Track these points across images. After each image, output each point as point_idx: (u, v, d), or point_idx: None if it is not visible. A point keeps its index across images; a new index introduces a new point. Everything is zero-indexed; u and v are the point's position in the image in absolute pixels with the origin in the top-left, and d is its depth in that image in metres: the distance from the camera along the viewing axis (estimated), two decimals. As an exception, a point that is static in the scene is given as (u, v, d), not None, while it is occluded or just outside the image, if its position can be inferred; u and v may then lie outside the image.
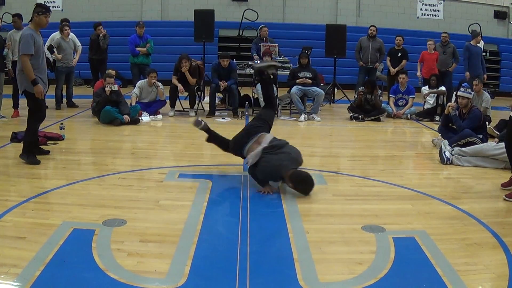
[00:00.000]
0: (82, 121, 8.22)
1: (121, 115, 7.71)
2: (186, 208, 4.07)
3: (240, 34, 12.15)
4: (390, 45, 11.28)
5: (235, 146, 5.02)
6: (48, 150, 5.82)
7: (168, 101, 8.85)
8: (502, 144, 5.76)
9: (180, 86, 8.70)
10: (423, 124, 8.85)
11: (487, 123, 7.03)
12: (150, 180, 4.88)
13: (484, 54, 12.29)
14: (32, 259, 3.01)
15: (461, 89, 6.57)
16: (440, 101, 9.14)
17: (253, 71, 9.25)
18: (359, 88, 9.42)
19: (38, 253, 3.09)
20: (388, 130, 8.47)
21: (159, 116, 8.49)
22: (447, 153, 5.90)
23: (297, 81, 8.87)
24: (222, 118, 8.62)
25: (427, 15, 14.80)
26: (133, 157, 6.00)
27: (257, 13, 12.66)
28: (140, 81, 8.86)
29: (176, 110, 8.98)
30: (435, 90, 9.20)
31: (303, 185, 4.46)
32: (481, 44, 11.12)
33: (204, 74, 9.64)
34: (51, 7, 5.56)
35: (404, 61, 10.57)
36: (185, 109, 9.12)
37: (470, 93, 6.58)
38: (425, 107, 9.40)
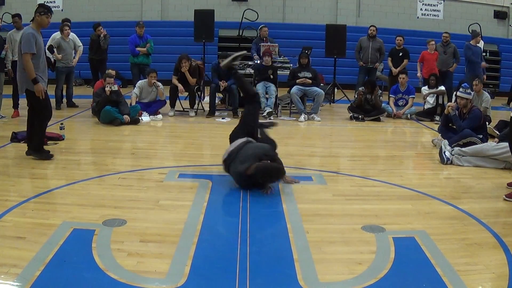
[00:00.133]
0: (82, 121, 8.22)
1: (121, 115, 7.71)
2: (186, 208, 4.07)
3: (240, 34, 12.14)
4: (390, 45, 11.27)
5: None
6: (48, 150, 5.81)
7: (168, 101, 8.85)
8: (502, 144, 5.77)
9: (180, 86, 8.70)
10: (423, 124, 8.85)
11: (487, 123, 7.03)
12: (150, 180, 4.88)
13: (484, 54, 12.29)
14: (32, 259, 3.01)
15: (460, 89, 6.56)
16: (440, 101, 9.14)
17: (252, 70, 9.26)
18: (359, 88, 9.41)
19: (38, 253, 3.09)
20: (388, 130, 8.47)
21: (159, 116, 8.49)
22: (447, 153, 5.90)
23: (297, 81, 8.87)
24: (222, 118, 8.62)
25: (427, 15, 14.80)
26: (133, 157, 6.00)
27: (257, 13, 12.66)
28: (140, 81, 8.86)
29: (176, 110, 8.98)
30: (434, 90, 9.19)
31: (267, 175, 4.43)
32: (481, 44, 11.12)
33: (204, 74, 9.64)
34: (51, 7, 5.60)
35: (405, 61, 10.57)
36: (185, 109, 9.12)
37: (470, 94, 6.58)
38: (425, 107, 9.40)
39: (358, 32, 11.97)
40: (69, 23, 9.51)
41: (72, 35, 9.51)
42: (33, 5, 13.07)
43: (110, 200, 4.21)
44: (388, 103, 9.44)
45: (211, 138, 7.36)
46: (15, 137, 6.34)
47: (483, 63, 10.46)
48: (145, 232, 3.53)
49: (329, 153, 6.64)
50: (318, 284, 2.87)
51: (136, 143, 6.91)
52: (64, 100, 9.48)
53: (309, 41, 11.66)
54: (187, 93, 8.99)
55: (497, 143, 6.07)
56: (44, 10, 5.35)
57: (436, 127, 7.64)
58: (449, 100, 9.00)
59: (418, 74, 10.57)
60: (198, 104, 9.14)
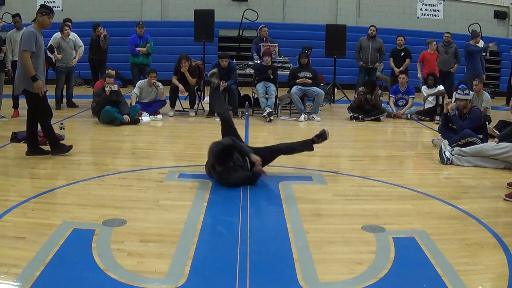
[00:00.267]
0: (82, 121, 8.22)
1: (121, 115, 7.71)
2: (186, 208, 4.07)
3: (240, 34, 12.14)
4: (390, 45, 11.28)
5: None
6: (48, 150, 5.82)
7: (168, 101, 8.85)
8: (502, 144, 5.78)
9: (180, 87, 8.70)
10: (423, 124, 8.85)
11: (487, 123, 7.03)
12: (150, 180, 4.88)
13: (484, 54, 12.29)
14: (32, 259, 3.01)
15: (458, 91, 6.53)
16: (440, 101, 9.13)
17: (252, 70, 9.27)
18: (359, 88, 9.41)
19: (38, 253, 3.09)
20: (388, 130, 8.47)
21: (159, 116, 8.49)
22: (447, 153, 5.90)
23: (297, 81, 8.86)
24: (222, 118, 8.61)
25: (427, 15, 14.80)
26: (133, 157, 6.00)
27: (257, 13, 12.66)
28: (140, 81, 8.86)
29: (176, 110, 8.98)
30: (434, 92, 9.18)
31: (213, 156, 4.64)
32: (481, 44, 11.12)
33: (204, 74, 9.64)
34: (52, 8, 5.64)
35: (407, 61, 10.58)
36: (185, 109, 9.12)
37: (468, 94, 6.55)
38: (426, 107, 9.40)
39: (358, 32, 11.97)
40: (69, 23, 9.52)
41: (74, 35, 9.52)
42: (33, 5, 13.19)
43: (110, 200, 4.21)
44: (388, 103, 9.44)
45: (211, 138, 7.27)
46: (15, 137, 6.34)
47: (492, 43, 10.55)
48: (145, 232, 3.53)
49: (329, 153, 6.63)
50: (318, 284, 2.87)
51: (136, 143, 6.91)
52: (64, 100, 9.48)
53: (309, 41, 11.67)
54: (187, 93, 8.99)
55: (497, 143, 6.07)
56: (46, 10, 5.40)
57: (436, 127, 7.64)
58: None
59: (419, 75, 10.56)
60: (198, 104, 9.14)
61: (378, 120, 8.90)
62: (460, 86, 6.68)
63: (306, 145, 5.38)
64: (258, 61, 9.52)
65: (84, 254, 3.12)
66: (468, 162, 5.80)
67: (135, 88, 8.74)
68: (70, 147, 5.76)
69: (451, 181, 5.30)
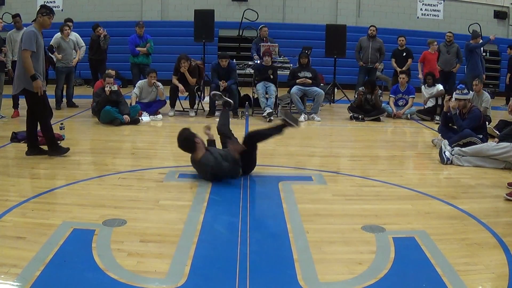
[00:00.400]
0: (82, 121, 8.22)
1: (121, 115, 7.71)
2: (186, 208, 4.07)
3: (240, 34, 12.14)
4: (390, 45, 11.28)
5: None
6: (61, 146, 5.82)
7: (168, 101, 8.85)
8: (502, 144, 5.78)
9: (181, 87, 8.70)
10: (423, 124, 8.85)
11: (487, 123, 7.03)
12: (150, 180, 4.88)
13: (484, 54, 12.30)
14: (32, 259, 3.01)
15: (457, 91, 6.52)
16: (440, 102, 9.13)
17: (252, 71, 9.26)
18: (359, 88, 9.42)
19: (38, 253, 3.09)
20: (388, 130, 8.47)
21: (159, 116, 8.49)
22: (447, 153, 5.90)
23: (297, 81, 8.87)
24: (222, 118, 8.61)
25: (427, 15, 14.80)
26: (133, 157, 6.00)
27: (257, 13, 12.66)
28: (140, 81, 8.86)
29: (176, 110, 8.98)
30: (434, 94, 9.17)
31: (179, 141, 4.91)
32: (481, 45, 11.12)
33: (204, 74, 9.64)
34: (52, 8, 5.66)
35: (409, 61, 10.59)
36: (185, 109, 9.12)
37: (467, 94, 6.54)
38: (426, 106, 9.40)
39: (358, 32, 11.98)
40: (70, 24, 9.53)
41: (76, 35, 9.54)
42: (33, 5, 13.19)
43: (110, 200, 4.21)
44: (388, 103, 9.44)
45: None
46: (15, 137, 6.34)
47: (492, 36, 10.58)
48: (145, 232, 3.53)
49: (329, 153, 6.64)
50: (318, 284, 2.87)
51: (136, 143, 6.91)
52: (64, 100, 9.48)
53: (309, 41, 11.67)
54: (187, 93, 8.99)
55: (497, 143, 6.07)
56: (46, 11, 5.41)
57: (436, 127, 7.64)
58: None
59: (420, 76, 10.53)
60: (198, 104, 9.14)
61: (378, 120, 8.91)
62: (458, 86, 6.67)
63: (276, 129, 5.25)
64: (258, 61, 9.52)
65: (84, 254, 3.12)
66: (468, 162, 5.80)
67: (135, 88, 8.74)
68: (67, 149, 5.71)
69: (451, 181, 5.30)
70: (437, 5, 14.75)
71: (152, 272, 2.94)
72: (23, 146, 5.87)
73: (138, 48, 10.11)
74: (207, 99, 9.48)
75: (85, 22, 12.00)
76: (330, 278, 2.94)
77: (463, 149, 5.92)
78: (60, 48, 9.13)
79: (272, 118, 8.47)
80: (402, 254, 3.26)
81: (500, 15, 14.83)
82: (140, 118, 8.13)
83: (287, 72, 9.37)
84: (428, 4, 14.77)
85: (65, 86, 9.43)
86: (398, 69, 10.45)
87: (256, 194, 4.56)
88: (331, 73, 11.24)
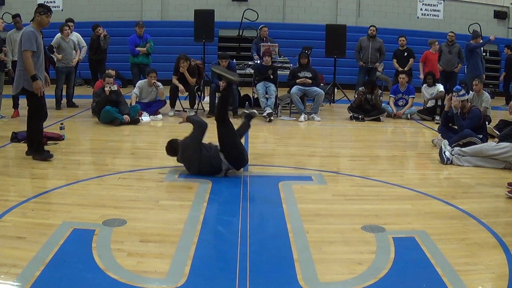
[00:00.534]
0: (82, 121, 8.23)
1: (121, 115, 7.71)
2: (186, 208, 4.07)
3: (240, 34, 12.14)
4: (390, 45, 11.28)
5: None
6: (48, 150, 5.82)
7: (168, 101, 8.85)
8: (502, 144, 5.78)
9: (181, 87, 8.69)
10: (423, 124, 8.85)
11: (487, 123, 7.03)
12: (150, 180, 4.88)
13: (484, 54, 12.29)
14: (32, 259, 3.01)
15: (454, 94, 6.51)
16: (440, 102, 9.12)
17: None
18: (359, 88, 9.42)
19: (38, 253, 3.09)
20: (388, 130, 8.47)
21: (159, 116, 8.49)
22: (447, 153, 5.90)
23: (297, 81, 8.86)
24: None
25: (427, 15, 14.80)
26: (133, 157, 6.00)
27: (257, 13, 12.65)
28: (140, 81, 8.86)
29: (176, 110, 8.97)
30: (435, 95, 9.15)
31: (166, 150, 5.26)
32: (481, 45, 11.12)
33: (204, 74, 9.64)
34: (51, 7, 5.64)
35: (411, 60, 10.59)
36: (185, 109, 9.11)
37: (464, 95, 6.52)
38: (426, 106, 9.40)
39: (358, 32, 11.98)
40: (71, 24, 9.53)
41: (77, 36, 9.54)
42: (33, 5, 13.04)
43: (110, 200, 4.21)
44: (388, 103, 9.44)
45: (210, 138, 7.30)
46: (15, 137, 6.34)
47: (492, 36, 10.58)
48: (145, 232, 3.53)
49: (329, 153, 6.64)
50: (318, 284, 2.87)
51: (136, 143, 6.91)
52: (64, 100, 9.48)
53: (309, 41, 11.67)
54: (187, 93, 8.99)
55: (497, 143, 6.07)
56: (43, 9, 5.40)
57: (436, 127, 7.64)
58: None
59: (421, 76, 10.50)
60: (198, 104, 9.14)
61: (378, 120, 8.90)
62: (454, 89, 6.66)
63: (245, 126, 5.70)
64: (258, 61, 9.52)
65: (84, 254, 3.12)
66: (468, 162, 5.80)
67: (135, 88, 8.74)
68: (51, 155, 5.53)
69: (451, 181, 5.30)
70: (437, 5, 14.75)
71: (152, 272, 2.94)
72: (23, 146, 5.87)
73: (138, 48, 10.11)
74: (207, 99, 9.47)
75: (85, 22, 12.00)
76: (330, 278, 2.94)
77: (463, 149, 5.92)
78: (60, 48, 9.13)
79: (272, 118, 8.47)
80: (402, 254, 3.26)
81: (500, 15, 14.83)
82: (140, 118, 8.13)
83: (287, 72, 9.37)
84: (428, 4, 14.77)
85: (65, 86, 9.43)
86: (400, 69, 10.44)
87: (256, 194, 4.55)
88: (331, 73, 11.24)
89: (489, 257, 3.22)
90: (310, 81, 8.86)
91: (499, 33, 14.63)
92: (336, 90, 11.47)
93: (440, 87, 9.25)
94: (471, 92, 8.50)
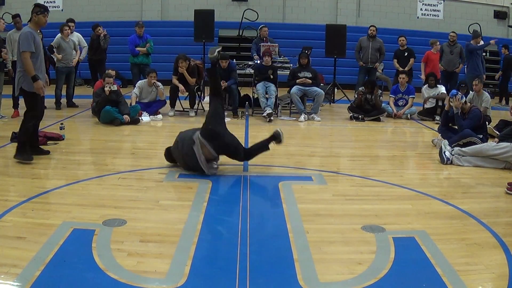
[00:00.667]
0: (82, 121, 8.23)
1: (121, 115, 7.71)
2: (186, 208, 4.07)
3: (240, 34, 12.15)
4: (390, 45, 11.27)
5: None
6: (48, 150, 5.82)
7: (168, 101, 8.85)
8: (502, 144, 5.78)
9: (181, 87, 8.69)
10: (423, 124, 8.85)
11: (487, 123, 7.03)
12: (150, 180, 4.88)
13: (484, 54, 12.29)
14: (32, 259, 3.01)
15: (451, 99, 6.51)
16: (440, 103, 9.11)
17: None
18: (359, 88, 9.41)
19: (38, 253, 3.09)
20: (388, 130, 8.47)
21: (159, 116, 8.49)
22: (447, 153, 5.90)
23: (297, 81, 8.86)
24: (222, 118, 8.60)
25: (427, 15, 14.81)
26: (133, 157, 6.00)
27: (257, 13, 12.66)
28: (140, 81, 8.86)
29: (176, 110, 8.98)
30: (436, 95, 9.14)
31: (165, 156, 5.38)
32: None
33: (204, 74, 9.64)
34: (51, 7, 5.65)
35: (411, 60, 10.58)
36: (185, 109, 9.12)
37: (462, 97, 6.53)
38: (425, 106, 9.39)
39: (358, 32, 11.98)
40: (71, 24, 9.52)
41: (78, 36, 9.53)
42: (33, 5, 13.18)
43: (110, 200, 4.21)
44: (388, 103, 9.43)
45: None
46: (15, 137, 6.32)
47: (492, 41, 10.57)
48: (145, 232, 3.53)
49: (329, 153, 6.64)
50: (318, 284, 2.87)
51: (136, 143, 6.91)
52: (64, 100, 9.48)
53: (309, 41, 11.67)
54: (187, 93, 8.98)
55: (497, 143, 6.07)
56: (40, 9, 5.38)
57: (436, 127, 7.64)
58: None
59: (422, 76, 10.48)
60: (198, 104, 9.14)
61: (378, 120, 8.90)
62: (450, 94, 6.65)
63: (263, 147, 5.30)
64: (258, 61, 9.52)
65: (84, 254, 3.12)
66: (468, 162, 5.80)
67: (135, 88, 8.74)
68: (32, 158, 5.40)
69: (451, 181, 5.30)
70: (437, 5, 14.75)
71: (152, 272, 2.94)
72: (23, 146, 5.86)
73: (138, 48, 10.11)
74: (207, 99, 9.46)
75: (85, 22, 12.01)
76: (330, 278, 2.94)
77: (463, 149, 5.92)
78: (60, 48, 9.13)
79: (272, 118, 8.47)
80: (402, 254, 3.26)
81: (500, 15, 14.84)
82: (140, 118, 8.13)
83: (287, 72, 9.37)
84: (428, 4, 14.77)
85: (65, 86, 9.42)
86: (400, 69, 10.43)
87: (256, 194, 4.56)
88: (331, 73, 11.24)
89: (489, 257, 3.22)
90: (310, 81, 8.86)
91: (499, 33, 14.65)
92: (336, 90, 11.47)
93: (442, 89, 9.22)
94: (471, 92, 8.50)
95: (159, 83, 8.65)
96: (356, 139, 7.68)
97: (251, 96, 9.55)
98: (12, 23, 8.45)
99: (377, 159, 6.33)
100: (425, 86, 9.47)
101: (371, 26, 10.88)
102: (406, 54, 10.68)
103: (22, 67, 5.29)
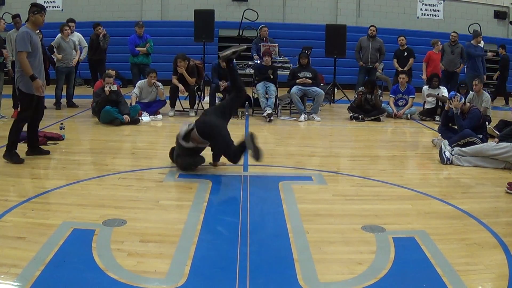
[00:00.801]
0: (82, 121, 8.23)
1: (121, 115, 7.71)
2: (186, 208, 4.07)
3: (240, 34, 12.14)
4: (390, 45, 11.27)
5: None
6: (48, 150, 5.82)
7: (168, 101, 8.85)
8: (502, 144, 5.78)
9: (181, 87, 8.69)
10: (423, 124, 8.85)
11: (487, 123, 7.03)
12: (150, 180, 4.88)
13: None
14: (32, 259, 3.01)
15: (450, 100, 6.51)
16: (440, 103, 9.10)
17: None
18: (359, 88, 9.41)
19: (38, 253, 3.09)
20: (388, 130, 8.47)
21: (159, 116, 8.49)
22: (447, 153, 5.90)
23: (297, 81, 8.86)
24: (222, 118, 8.60)
25: (427, 15, 14.80)
26: (133, 157, 6.00)
27: (257, 13, 12.66)
28: (140, 81, 8.85)
29: (176, 110, 8.98)
30: (438, 96, 9.11)
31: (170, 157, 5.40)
32: (481, 44, 11.12)
33: (204, 74, 9.64)
34: (51, 7, 5.66)
35: (411, 60, 10.58)
36: (185, 109, 9.12)
37: (461, 99, 6.53)
38: (426, 107, 9.38)
39: (358, 32, 11.98)
40: (71, 24, 9.52)
41: (78, 36, 9.53)
42: (33, 5, 13.18)
43: (110, 200, 4.21)
44: (388, 103, 9.43)
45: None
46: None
47: (490, 53, 10.59)
48: (145, 232, 3.53)
49: (329, 153, 6.64)
50: (318, 284, 2.87)
51: (136, 143, 6.91)
52: (64, 100, 9.48)
53: (309, 41, 11.67)
54: (187, 93, 8.98)
55: (497, 143, 6.07)
56: (37, 9, 5.35)
57: (436, 127, 7.64)
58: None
59: (423, 76, 10.46)
60: (198, 104, 9.14)
61: (378, 120, 8.90)
62: (448, 96, 6.65)
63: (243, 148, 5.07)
64: (258, 61, 9.52)
65: (84, 254, 3.12)
66: (468, 162, 5.80)
67: (135, 88, 8.73)
68: (22, 160, 5.35)
69: (451, 181, 5.30)
70: (437, 5, 14.75)
71: (152, 272, 2.94)
72: (23, 146, 5.85)
73: (138, 48, 10.11)
74: (207, 99, 9.47)
75: (85, 22, 12.01)
76: (330, 278, 2.94)
77: (463, 149, 5.92)
78: (60, 48, 9.13)
79: (272, 118, 8.47)
80: (402, 254, 3.26)
81: (500, 15, 14.83)
82: (140, 118, 8.14)
83: (287, 72, 9.37)
84: (428, 4, 14.77)
85: (65, 86, 9.42)
86: (400, 69, 10.43)
87: (256, 194, 4.55)
88: (331, 73, 11.24)
89: (489, 257, 3.22)
90: (310, 81, 8.86)
91: (499, 33, 14.65)
92: (336, 90, 11.47)
93: (444, 91, 9.18)
94: (471, 92, 8.50)
95: (159, 83, 8.65)
96: (356, 139, 7.69)
97: (251, 96, 9.55)
98: (12, 23, 8.45)
99: (377, 159, 6.33)
100: (426, 86, 9.43)
101: (371, 26, 10.88)
102: (405, 54, 10.67)
103: (20, 67, 5.28)
